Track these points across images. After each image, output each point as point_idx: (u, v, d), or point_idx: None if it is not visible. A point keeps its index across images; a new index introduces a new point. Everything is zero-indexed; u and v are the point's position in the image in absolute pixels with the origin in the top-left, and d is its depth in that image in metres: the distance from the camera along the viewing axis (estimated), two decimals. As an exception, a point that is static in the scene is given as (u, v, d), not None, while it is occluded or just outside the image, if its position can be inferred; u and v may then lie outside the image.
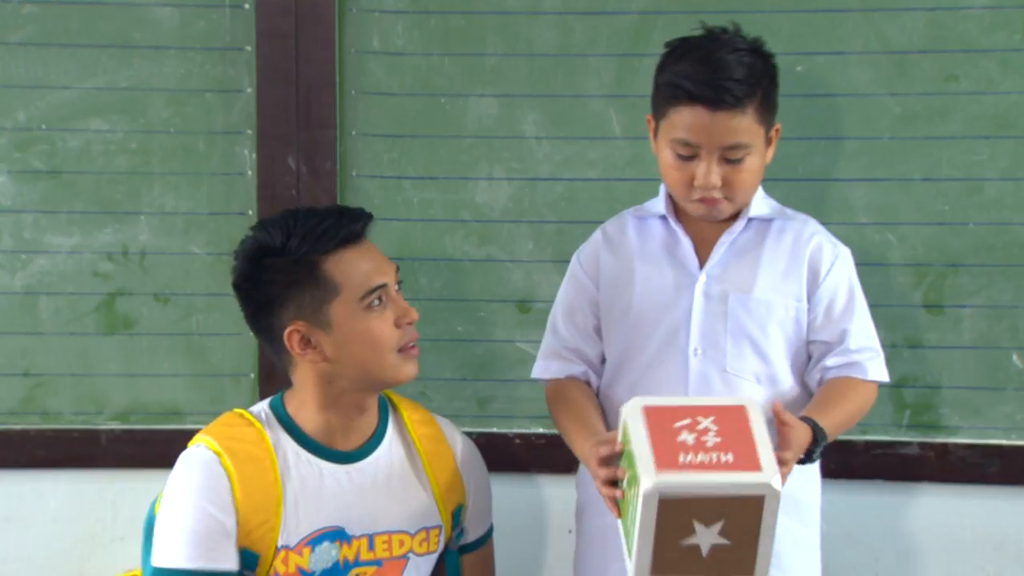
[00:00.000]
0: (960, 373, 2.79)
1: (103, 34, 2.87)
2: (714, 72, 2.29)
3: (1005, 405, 2.79)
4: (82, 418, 2.91)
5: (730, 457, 2.09)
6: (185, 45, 2.87)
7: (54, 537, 2.92)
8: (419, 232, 2.87)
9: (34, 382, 2.91)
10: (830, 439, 2.29)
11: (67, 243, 2.89)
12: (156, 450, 2.83)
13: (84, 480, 2.92)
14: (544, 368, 2.50)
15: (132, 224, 2.89)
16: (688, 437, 2.12)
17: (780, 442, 2.20)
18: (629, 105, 2.81)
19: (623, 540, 2.15)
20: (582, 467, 2.50)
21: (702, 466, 2.08)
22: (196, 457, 2.30)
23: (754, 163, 2.33)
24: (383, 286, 2.32)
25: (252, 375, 2.90)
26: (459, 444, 2.47)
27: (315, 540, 2.31)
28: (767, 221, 2.42)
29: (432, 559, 2.41)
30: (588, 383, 2.47)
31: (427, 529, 2.39)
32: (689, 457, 2.09)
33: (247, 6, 2.86)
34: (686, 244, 2.41)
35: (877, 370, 2.40)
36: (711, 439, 2.12)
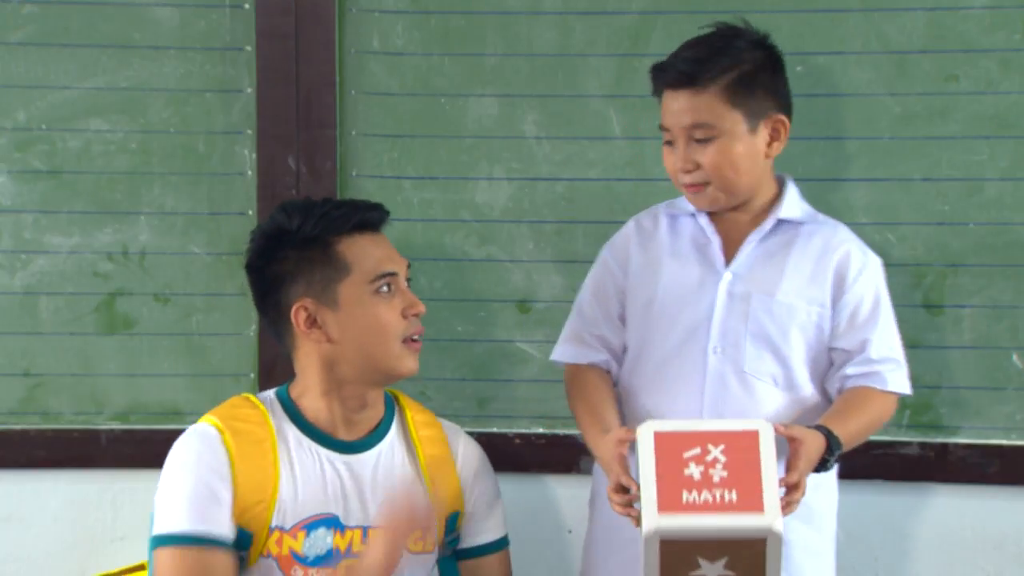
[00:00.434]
0: (960, 373, 2.79)
1: (103, 34, 2.87)
2: (679, 55, 2.39)
3: (1005, 405, 2.79)
4: (82, 418, 2.91)
5: (734, 496, 2.13)
6: (185, 45, 2.87)
7: (54, 537, 2.92)
8: (419, 232, 2.87)
9: (34, 382, 2.91)
10: (846, 448, 2.30)
11: (67, 243, 2.89)
12: (156, 450, 2.80)
13: (84, 480, 2.92)
14: (568, 353, 2.51)
15: (132, 224, 2.89)
16: (695, 471, 2.15)
17: (791, 460, 2.22)
18: (629, 105, 2.81)
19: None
20: (596, 466, 2.50)
21: (705, 507, 2.12)
22: (198, 431, 2.33)
23: (729, 147, 2.35)
24: (393, 274, 2.35)
25: (252, 375, 2.90)
26: (463, 451, 2.47)
27: (311, 525, 2.31)
28: (798, 224, 2.43)
29: (427, 561, 2.41)
30: (608, 371, 2.48)
31: (423, 528, 2.38)
32: (692, 496, 2.13)
33: (247, 6, 2.86)
34: (715, 242, 2.43)
35: (897, 382, 2.40)
36: (718, 473, 2.15)
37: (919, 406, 2.80)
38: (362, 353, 2.33)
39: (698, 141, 2.35)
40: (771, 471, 2.15)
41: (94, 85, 2.87)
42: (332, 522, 2.33)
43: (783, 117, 2.40)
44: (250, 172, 2.88)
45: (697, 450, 2.18)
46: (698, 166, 2.36)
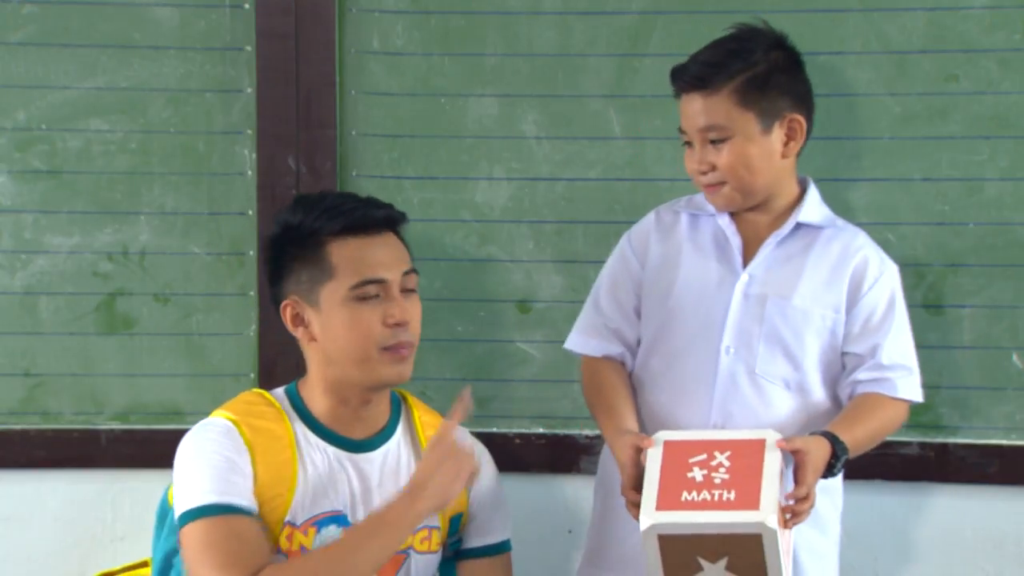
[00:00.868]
0: (960, 373, 2.79)
1: (103, 34, 2.87)
2: (693, 58, 2.39)
3: (1005, 405, 2.79)
4: (82, 418, 2.91)
5: (732, 495, 2.14)
6: (185, 45, 2.87)
7: (54, 537, 2.92)
8: (419, 232, 2.86)
9: (34, 382, 2.91)
10: (852, 454, 2.30)
11: (67, 243, 2.89)
12: (156, 450, 2.82)
13: (84, 480, 2.92)
14: (582, 343, 2.52)
15: (132, 224, 2.89)
16: (698, 474, 2.18)
17: (797, 472, 2.23)
18: (629, 105, 2.81)
19: None
20: (606, 448, 2.50)
21: (702, 505, 2.14)
22: (214, 423, 2.30)
23: (742, 148, 2.36)
24: (379, 281, 2.31)
25: (252, 375, 2.90)
26: None
27: (321, 522, 2.31)
28: (817, 229, 2.43)
29: (432, 561, 2.41)
30: (624, 364, 2.49)
31: (429, 528, 2.38)
32: (692, 495, 2.16)
33: (247, 6, 2.86)
34: (735, 242, 2.43)
35: (908, 389, 2.40)
36: (720, 476, 2.17)
37: (919, 406, 2.79)
38: (342, 357, 2.32)
39: (713, 143, 2.37)
40: (773, 476, 2.17)
41: (94, 85, 2.87)
42: (341, 520, 2.33)
43: (799, 116, 2.40)
44: (250, 172, 2.88)
45: (703, 456, 2.21)
46: (713, 167, 2.37)
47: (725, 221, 2.44)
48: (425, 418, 2.45)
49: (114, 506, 2.92)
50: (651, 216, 2.53)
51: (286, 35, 2.85)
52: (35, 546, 2.92)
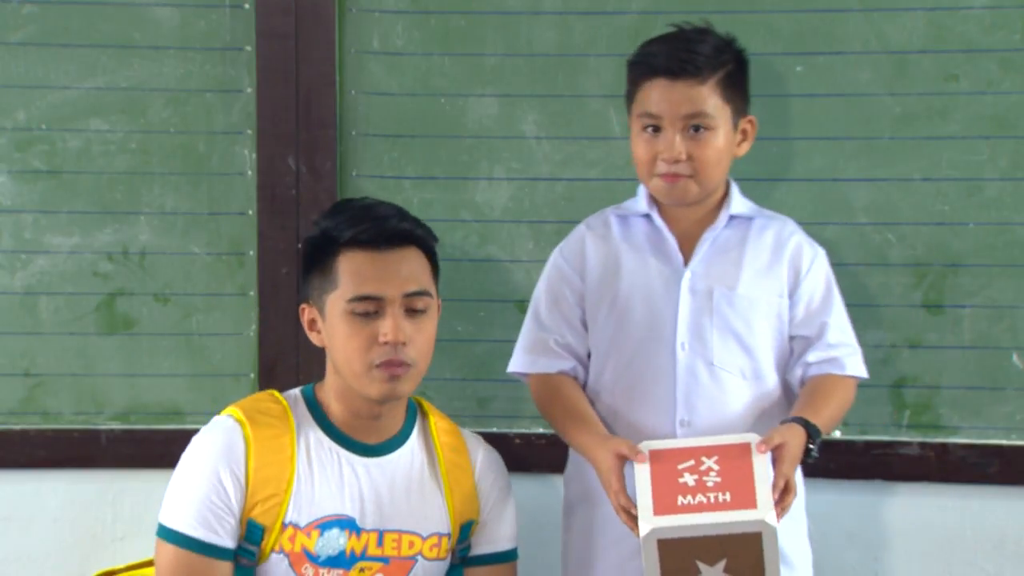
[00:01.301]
0: (960, 373, 2.79)
1: (103, 34, 2.87)
2: (675, 45, 2.39)
3: (1005, 405, 2.79)
4: (82, 418, 2.91)
5: (727, 496, 2.15)
6: (185, 45, 2.87)
7: (54, 537, 2.92)
8: (419, 232, 2.87)
9: (34, 382, 2.91)
10: (825, 434, 2.32)
11: (67, 243, 2.89)
12: (156, 450, 2.83)
13: (84, 480, 2.92)
14: (530, 363, 2.50)
15: (132, 224, 2.89)
16: (690, 479, 2.20)
17: (776, 464, 2.24)
18: (629, 105, 2.81)
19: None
20: (570, 464, 2.52)
21: (700, 507, 2.15)
22: (220, 423, 2.35)
23: (718, 141, 2.38)
24: (375, 298, 2.30)
25: (252, 375, 2.90)
26: (480, 461, 2.47)
27: (325, 525, 2.32)
28: (748, 220, 2.47)
29: (440, 568, 2.41)
30: (576, 378, 2.48)
31: (439, 535, 2.39)
32: (688, 499, 2.17)
33: (247, 6, 2.86)
34: (671, 240, 2.45)
35: (855, 366, 2.45)
36: (712, 479, 2.19)
37: (919, 406, 2.80)
38: (342, 368, 2.34)
39: (692, 131, 2.37)
40: (764, 475, 2.17)
41: (94, 85, 2.87)
42: (347, 524, 2.33)
43: (754, 119, 2.45)
44: (250, 172, 2.88)
45: (691, 462, 2.22)
46: (688, 157, 2.37)
47: (658, 220, 2.45)
48: (441, 424, 2.45)
49: (114, 506, 2.92)
50: (580, 227, 2.54)
51: (286, 35, 2.85)
52: (35, 546, 2.92)
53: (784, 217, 2.52)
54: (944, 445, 2.80)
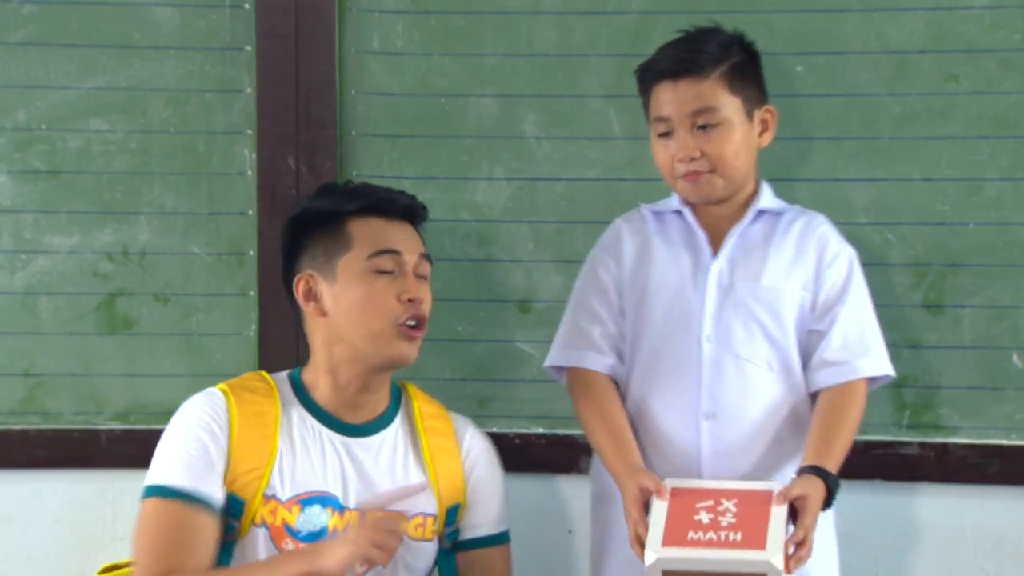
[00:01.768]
0: (960, 373, 2.79)
1: (103, 34, 2.87)
2: (678, 47, 2.42)
3: (1005, 405, 2.79)
4: (82, 418, 2.91)
5: (738, 536, 2.18)
6: (185, 45, 2.87)
7: (54, 537, 2.92)
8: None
9: (34, 382, 2.91)
10: (838, 469, 2.33)
11: (67, 243, 2.89)
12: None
13: (84, 480, 2.92)
14: (577, 357, 2.49)
15: (132, 224, 2.89)
16: (705, 516, 2.23)
17: (799, 516, 2.24)
18: (629, 105, 2.80)
19: None
20: (594, 462, 2.52)
21: (708, 543, 2.18)
22: (205, 393, 2.38)
23: (732, 135, 2.39)
24: (396, 252, 2.36)
25: (252, 375, 2.90)
26: (468, 443, 2.47)
27: (306, 501, 2.33)
28: (777, 215, 2.48)
29: (427, 550, 2.41)
30: (615, 381, 2.48)
31: (424, 515, 2.39)
32: (699, 535, 2.19)
33: (247, 6, 2.86)
34: (700, 235, 2.46)
35: (870, 366, 2.42)
36: (727, 519, 2.22)
37: (919, 406, 2.80)
38: (353, 331, 2.35)
39: (701, 128, 2.38)
40: (780, 522, 2.19)
41: (94, 85, 2.87)
42: (330, 501, 2.34)
43: (772, 108, 2.46)
44: (250, 172, 2.88)
45: (710, 502, 2.25)
46: (702, 154, 2.39)
47: (689, 216, 2.47)
48: (425, 408, 2.46)
49: (114, 506, 2.92)
50: (617, 222, 2.56)
51: (286, 35, 2.85)
52: (35, 546, 2.92)
53: (815, 212, 2.52)
54: (944, 445, 2.80)
